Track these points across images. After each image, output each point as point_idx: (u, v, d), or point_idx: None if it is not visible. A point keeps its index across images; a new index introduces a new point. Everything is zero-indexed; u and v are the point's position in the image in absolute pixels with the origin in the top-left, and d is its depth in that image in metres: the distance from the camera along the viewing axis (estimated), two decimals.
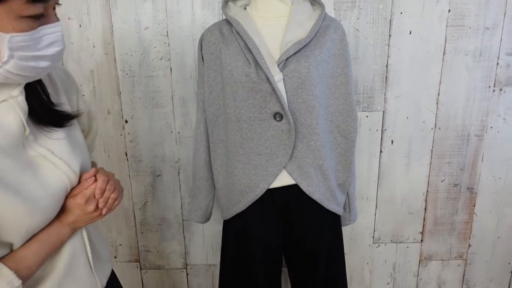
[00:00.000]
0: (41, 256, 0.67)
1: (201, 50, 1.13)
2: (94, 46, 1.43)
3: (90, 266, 0.77)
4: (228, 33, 1.09)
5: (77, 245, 0.75)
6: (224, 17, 1.12)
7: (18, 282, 0.61)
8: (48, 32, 0.60)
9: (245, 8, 1.13)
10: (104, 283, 0.82)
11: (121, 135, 1.52)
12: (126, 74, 1.45)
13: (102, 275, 0.81)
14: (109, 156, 1.54)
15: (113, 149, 1.54)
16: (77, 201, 0.70)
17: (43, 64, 0.62)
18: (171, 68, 1.45)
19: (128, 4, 1.38)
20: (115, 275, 0.91)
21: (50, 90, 0.73)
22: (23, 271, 0.63)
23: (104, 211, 0.74)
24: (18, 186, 0.62)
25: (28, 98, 0.65)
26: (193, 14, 1.40)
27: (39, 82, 0.70)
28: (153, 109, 1.49)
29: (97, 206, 0.72)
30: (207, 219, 1.30)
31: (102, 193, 0.73)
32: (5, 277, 0.60)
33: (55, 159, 0.68)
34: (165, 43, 1.43)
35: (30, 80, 0.65)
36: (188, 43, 1.43)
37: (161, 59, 1.44)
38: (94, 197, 0.72)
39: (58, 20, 0.63)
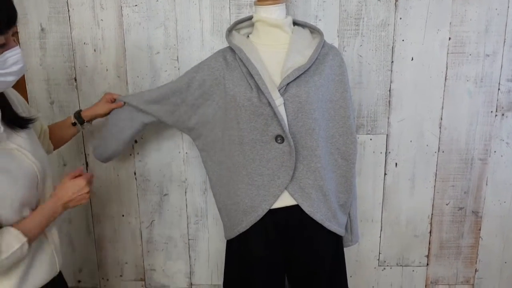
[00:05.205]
0: (40, 224, 0.92)
1: (204, 73, 1.19)
2: (107, 70, 1.50)
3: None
4: (232, 59, 1.15)
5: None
6: (228, 45, 1.18)
7: (24, 238, 0.86)
8: (11, 54, 0.83)
9: (248, 36, 1.19)
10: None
11: (130, 154, 1.57)
12: None
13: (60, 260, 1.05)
14: (118, 175, 1.59)
15: (123, 168, 1.59)
16: (79, 181, 0.97)
17: (10, 78, 0.85)
18: None
19: (141, 30, 1.46)
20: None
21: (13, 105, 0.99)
22: (28, 232, 0.88)
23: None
24: (2, 167, 0.85)
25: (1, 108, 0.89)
26: (203, 40, 1.47)
27: (5, 98, 0.93)
28: (162, 130, 1.55)
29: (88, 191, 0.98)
30: (107, 160, 1.38)
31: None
32: (13, 235, 0.85)
33: (24, 151, 0.92)
34: (175, 67, 1.49)
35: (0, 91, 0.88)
36: None
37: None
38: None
39: (17, 44, 0.86)
